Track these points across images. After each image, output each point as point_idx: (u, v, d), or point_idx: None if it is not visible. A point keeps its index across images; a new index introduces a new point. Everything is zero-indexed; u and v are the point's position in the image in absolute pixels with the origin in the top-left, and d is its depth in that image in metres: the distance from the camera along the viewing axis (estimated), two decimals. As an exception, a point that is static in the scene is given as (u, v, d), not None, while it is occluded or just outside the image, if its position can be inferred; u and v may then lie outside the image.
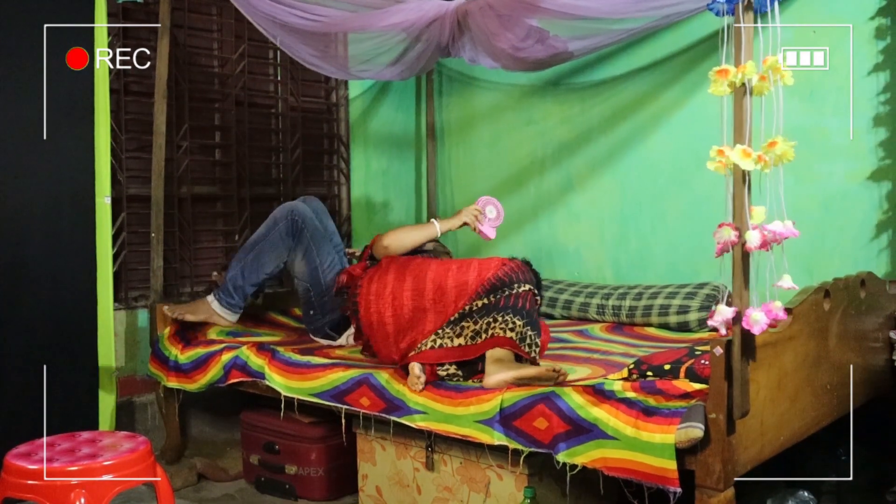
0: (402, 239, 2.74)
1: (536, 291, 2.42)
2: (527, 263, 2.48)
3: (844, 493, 2.32)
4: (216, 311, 2.97)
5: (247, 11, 2.95)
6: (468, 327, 2.32)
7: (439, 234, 2.79)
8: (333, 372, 2.47)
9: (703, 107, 3.14)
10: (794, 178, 2.76)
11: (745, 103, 1.58)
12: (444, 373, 2.29)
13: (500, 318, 2.28)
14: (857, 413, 2.13)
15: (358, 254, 2.92)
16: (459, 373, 2.29)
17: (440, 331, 2.36)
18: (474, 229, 2.79)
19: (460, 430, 2.14)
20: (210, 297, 2.99)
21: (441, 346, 2.32)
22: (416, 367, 2.26)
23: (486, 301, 2.33)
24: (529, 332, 2.29)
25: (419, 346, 2.36)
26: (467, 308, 2.35)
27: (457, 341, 2.32)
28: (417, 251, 2.79)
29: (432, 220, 2.85)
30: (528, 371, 2.14)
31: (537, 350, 2.32)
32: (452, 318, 2.36)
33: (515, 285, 2.35)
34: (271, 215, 2.99)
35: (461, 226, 2.81)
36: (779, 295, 1.63)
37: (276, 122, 3.84)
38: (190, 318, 2.95)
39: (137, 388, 3.24)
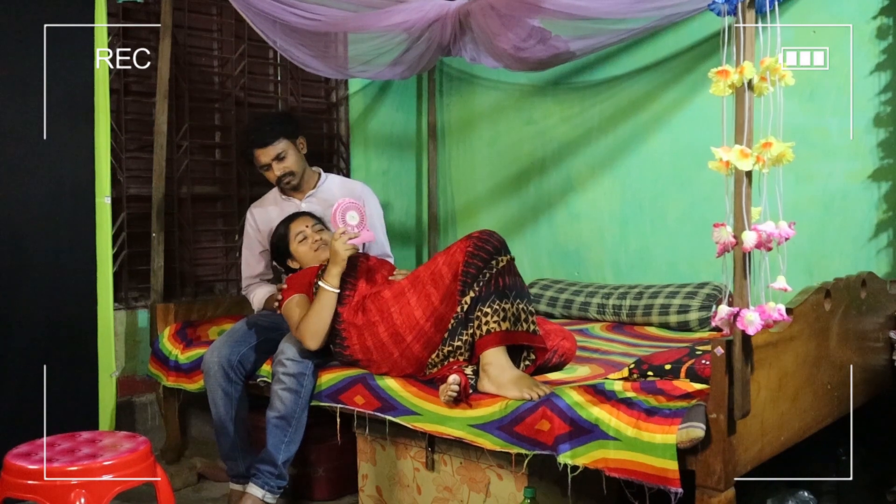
0: (314, 326, 2.42)
1: (511, 255, 2.31)
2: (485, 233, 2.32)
3: (844, 493, 2.32)
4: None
5: (246, 13, 2.94)
6: (466, 332, 2.24)
7: (338, 290, 2.44)
8: (331, 371, 2.48)
9: (704, 107, 3.15)
10: (794, 178, 2.77)
11: (745, 103, 1.58)
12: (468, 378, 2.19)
13: (489, 311, 2.20)
14: (857, 413, 2.13)
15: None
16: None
17: (443, 345, 2.26)
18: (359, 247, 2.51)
19: (453, 432, 2.14)
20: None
21: (452, 350, 2.25)
22: (453, 377, 2.14)
23: (472, 295, 2.23)
24: (521, 306, 2.23)
25: (432, 358, 2.28)
26: (460, 312, 2.24)
27: (463, 354, 2.23)
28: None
29: (319, 283, 2.47)
30: (510, 392, 2.08)
31: (534, 319, 2.26)
32: (450, 327, 2.25)
33: (492, 262, 2.25)
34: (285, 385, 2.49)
35: (346, 258, 2.44)
36: (778, 296, 1.63)
37: (276, 122, 3.84)
38: None
39: (137, 388, 3.25)
